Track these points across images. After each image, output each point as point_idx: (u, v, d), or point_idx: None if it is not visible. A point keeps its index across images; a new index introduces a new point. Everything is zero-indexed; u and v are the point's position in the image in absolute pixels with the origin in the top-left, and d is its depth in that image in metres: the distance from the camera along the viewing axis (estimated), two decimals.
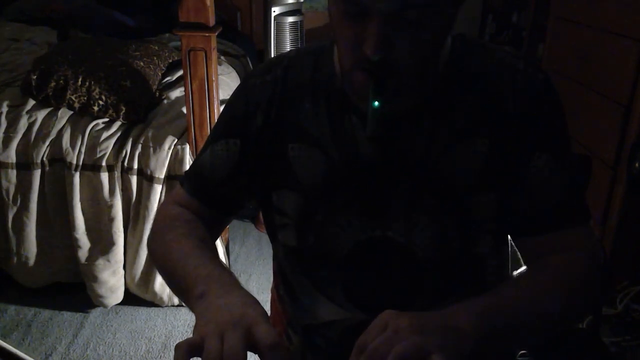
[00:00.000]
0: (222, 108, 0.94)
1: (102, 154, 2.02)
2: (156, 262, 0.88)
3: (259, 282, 2.39)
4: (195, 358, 0.63)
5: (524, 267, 0.88)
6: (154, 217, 0.96)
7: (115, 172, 2.03)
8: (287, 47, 2.79)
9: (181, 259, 0.79)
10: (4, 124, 2.07)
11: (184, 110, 2.09)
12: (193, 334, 0.65)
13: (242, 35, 3.51)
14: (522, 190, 0.81)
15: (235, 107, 0.90)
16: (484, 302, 0.71)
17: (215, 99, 2.02)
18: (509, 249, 0.94)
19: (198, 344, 0.63)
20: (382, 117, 0.72)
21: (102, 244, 2.08)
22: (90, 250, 2.09)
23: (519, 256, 0.90)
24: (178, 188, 0.95)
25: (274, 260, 1.03)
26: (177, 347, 0.62)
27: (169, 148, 2.02)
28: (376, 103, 0.71)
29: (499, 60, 0.81)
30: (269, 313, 1.14)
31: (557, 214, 0.81)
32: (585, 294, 0.82)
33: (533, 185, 0.80)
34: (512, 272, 1.04)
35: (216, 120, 0.96)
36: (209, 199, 0.92)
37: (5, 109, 2.11)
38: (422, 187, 0.81)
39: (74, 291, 2.20)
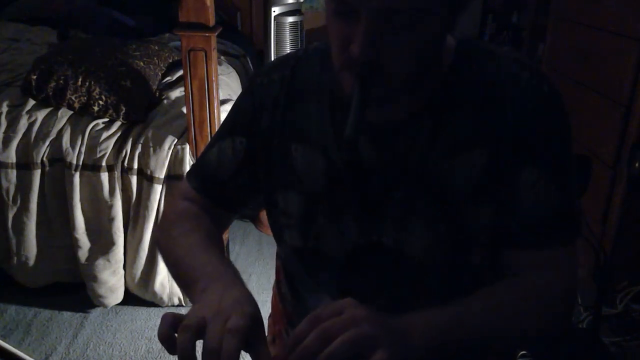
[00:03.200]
0: (222, 107, 0.94)
1: (102, 154, 2.02)
2: (163, 256, 0.91)
3: (259, 282, 2.39)
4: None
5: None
6: (162, 211, 0.98)
7: (115, 172, 2.03)
8: (287, 47, 2.79)
9: (187, 254, 0.81)
10: (4, 124, 2.07)
11: (184, 110, 2.09)
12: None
13: (242, 35, 3.51)
14: (509, 203, 0.78)
15: (242, 106, 0.91)
16: (443, 315, 0.71)
17: (215, 99, 2.02)
18: None
19: (181, 318, 0.65)
20: (363, 121, 0.70)
21: (102, 244, 2.08)
22: (90, 250, 2.09)
23: None
24: (185, 182, 0.96)
25: (277, 258, 1.03)
26: (163, 317, 0.65)
27: (169, 148, 2.02)
28: (360, 105, 0.69)
29: (503, 67, 0.78)
30: (269, 312, 1.14)
31: (539, 233, 0.79)
32: (553, 316, 0.80)
33: (520, 200, 0.78)
34: None
35: (225, 117, 0.96)
36: (214, 196, 0.93)
37: (5, 109, 2.11)
38: (419, 193, 0.79)
39: (74, 291, 2.20)
